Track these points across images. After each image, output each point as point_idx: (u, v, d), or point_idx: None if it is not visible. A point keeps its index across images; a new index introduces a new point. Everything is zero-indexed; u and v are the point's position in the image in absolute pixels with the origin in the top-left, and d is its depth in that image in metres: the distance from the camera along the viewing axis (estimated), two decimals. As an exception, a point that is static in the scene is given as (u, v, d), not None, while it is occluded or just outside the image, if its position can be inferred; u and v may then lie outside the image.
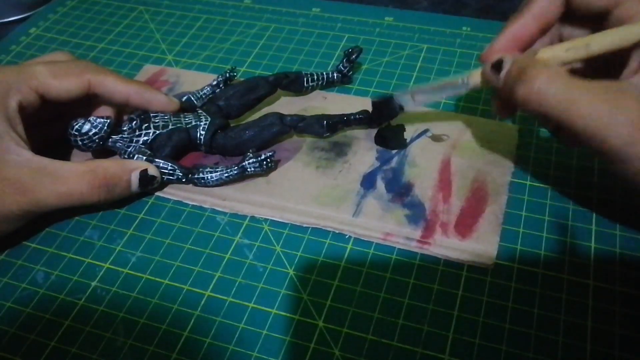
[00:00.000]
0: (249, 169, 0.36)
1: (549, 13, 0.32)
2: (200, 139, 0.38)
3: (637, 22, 0.28)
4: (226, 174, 0.36)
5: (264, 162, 0.36)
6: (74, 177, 0.33)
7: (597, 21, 0.30)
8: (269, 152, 0.36)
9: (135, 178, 0.35)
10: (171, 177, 0.36)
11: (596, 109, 0.26)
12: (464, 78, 0.34)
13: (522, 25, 0.32)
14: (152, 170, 0.35)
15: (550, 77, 0.28)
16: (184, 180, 0.36)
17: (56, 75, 0.34)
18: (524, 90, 0.28)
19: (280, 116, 0.39)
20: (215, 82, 0.41)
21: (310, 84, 0.43)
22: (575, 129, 0.27)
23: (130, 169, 0.35)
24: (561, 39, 0.33)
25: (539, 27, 0.32)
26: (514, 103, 0.30)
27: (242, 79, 0.42)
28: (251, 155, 0.36)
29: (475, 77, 0.33)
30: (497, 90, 0.32)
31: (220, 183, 0.36)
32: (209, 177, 0.36)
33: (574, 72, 0.33)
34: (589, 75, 0.32)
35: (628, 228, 0.33)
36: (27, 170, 0.32)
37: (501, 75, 0.30)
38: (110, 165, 0.34)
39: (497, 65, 0.31)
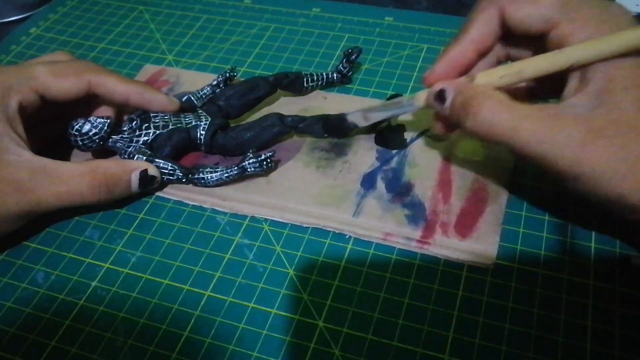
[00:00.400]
0: (249, 169, 0.36)
1: (486, 38, 0.32)
2: (200, 139, 0.38)
3: (568, 46, 0.29)
4: (226, 174, 0.36)
5: (264, 162, 0.36)
6: (74, 178, 0.33)
7: (538, 42, 0.31)
8: (269, 152, 0.36)
9: (135, 178, 0.35)
10: (171, 177, 0.36)
11: (540, 135, 0.27)
12: (410, 99, 0.35)
13: (459, 50, 0.33)
14: (152, 170, 0.35)
15: (493, 106, 0.29)
16: (184, 180, 0.36)
17: (56, 75, 0.35)
18: (472, 122, 0.29)
19: (281, 117, 0.39)
20: (215, 82, 0.41)
21: (310, 84, 0.43)
22: (524, 154, 0.28)
23: (130, 169, 0.35)
24: (508, 59, 0.34)
25: (477, 51, 0.33)
26: (464, 132, 0.31)
27: (242, 79, 0.42)
28: (251, 155, 0.36)
29: (420, 99, 0.34)
30: (441, 115, 0.33)
31: (220, 183, 0.36)
32: (209, 177, 0.36)
33: (526, 90, 0.34)
34: (540, 92, 0.34)
35: (626, 233, 0.33)
36: (27, 171, 0.32)
37: (445, 106, 0.32)
38: (110, 166, 0.34)
39: (440, 95, 0.32)
